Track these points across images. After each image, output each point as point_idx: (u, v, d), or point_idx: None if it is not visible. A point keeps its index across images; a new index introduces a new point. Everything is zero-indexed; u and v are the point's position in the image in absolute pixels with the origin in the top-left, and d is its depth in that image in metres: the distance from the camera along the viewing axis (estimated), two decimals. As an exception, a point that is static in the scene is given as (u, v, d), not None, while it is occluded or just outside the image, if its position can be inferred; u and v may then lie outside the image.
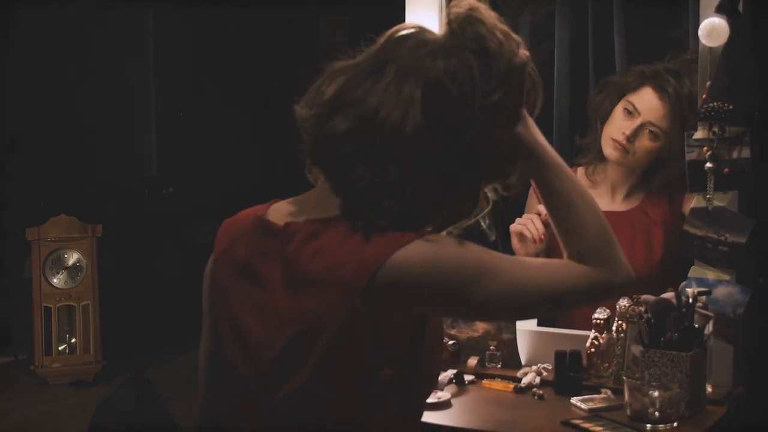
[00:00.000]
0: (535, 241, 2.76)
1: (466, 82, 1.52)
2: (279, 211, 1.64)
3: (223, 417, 1.69)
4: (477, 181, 1.58)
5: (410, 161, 1.51)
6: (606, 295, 1.63)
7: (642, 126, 2.79)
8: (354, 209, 1.54)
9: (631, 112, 2.81)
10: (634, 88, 2.84)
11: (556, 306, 1.65)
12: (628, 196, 2.92)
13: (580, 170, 2.98)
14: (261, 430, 1.61)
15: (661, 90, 2.79)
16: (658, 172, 2.86)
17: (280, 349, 1.55)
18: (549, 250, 2.78)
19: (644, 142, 2.80)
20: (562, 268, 1.57)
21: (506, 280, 1.52)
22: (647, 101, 2.80)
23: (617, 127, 2.82)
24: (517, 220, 2.82)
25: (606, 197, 2.93)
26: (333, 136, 1.55)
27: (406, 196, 1.52)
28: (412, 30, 1.59)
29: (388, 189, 1.52)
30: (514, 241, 2.81)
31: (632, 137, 2.80)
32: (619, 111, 2.84)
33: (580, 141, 2.99)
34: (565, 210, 1.62)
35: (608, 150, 2.85)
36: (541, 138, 1.62)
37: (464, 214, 1.61)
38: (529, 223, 2.77)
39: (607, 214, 2.85)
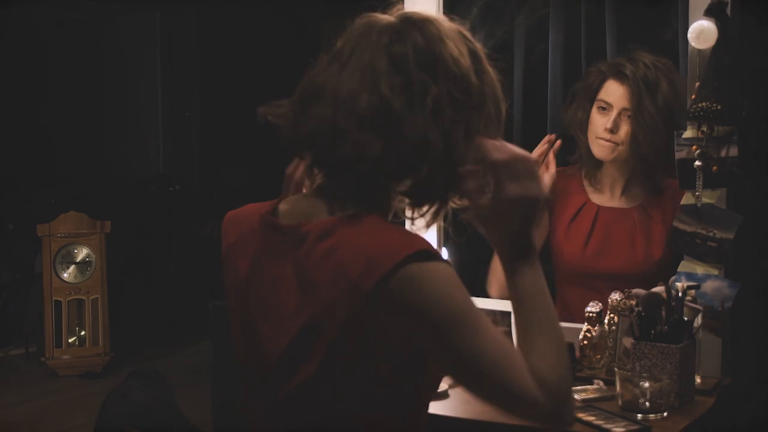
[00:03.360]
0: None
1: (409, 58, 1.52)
2: (288, 211, 1.63)
3: (235, 410, 1.69)
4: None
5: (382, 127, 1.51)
6: (537, 421, 1.53)
7: (619, 115, 2.80)
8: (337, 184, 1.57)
9: (605, 108, 2.83)
10: (598, 86, 2.86)
11: (497, 403, 1.54)
12: (626, 192, 2.91)
13: (582, 173, 2.98)
14: (267, 424, 1.61)
15: (621, 76, 2.81)
16: (651, 174, 2.87)
17: (286, 345, 1.55)
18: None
19: (626, 129, 2.81)
20: (524, 377, 1.49)
21: (481, 348, 1.47)
22: (614, 91, 2.82)
23: (598, 126, 2.83)
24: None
25: (606, 194, 2.93)
26: (311, 134, 1.57)
27: (374, 160, 1.52)
28: (364, 19, 1.60)
29: (362, 157, 1.52)
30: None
31: (614, 128, 2.80)
32: (594, 113, 2.86)
33: (570, 158, 2.98)
34: (529, 328, 1.56)
35: (597, 150, 2.85)
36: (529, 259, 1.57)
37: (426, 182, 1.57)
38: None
39: (609, 210, 2.89)
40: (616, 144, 2.82)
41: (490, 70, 1.60)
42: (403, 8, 1.61)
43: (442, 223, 1.64)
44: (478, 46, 1.61)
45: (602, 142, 2.83)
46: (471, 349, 1.47)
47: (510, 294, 1.59)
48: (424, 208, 1.59)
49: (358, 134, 1.51)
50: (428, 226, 1.61)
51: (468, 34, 1.61)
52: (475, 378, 1.51)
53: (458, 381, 1.55)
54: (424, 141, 1.51)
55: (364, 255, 1.48)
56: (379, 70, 1.52)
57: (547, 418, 1.51)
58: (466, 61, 1.55)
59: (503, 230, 1.57)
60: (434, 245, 2.76)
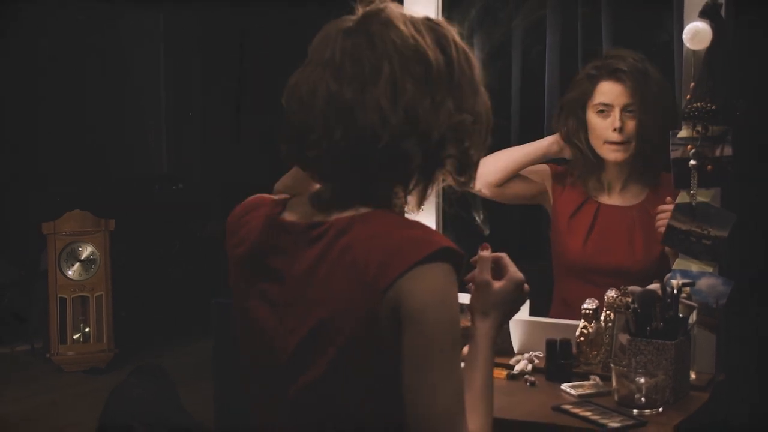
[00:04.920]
0: None
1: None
2: (298, 209, 1.61)
3: (237, 407, 1.68)
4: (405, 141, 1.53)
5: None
6: None
7: (621, 112, 2.79)
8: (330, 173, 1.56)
9: (604, 111, 2.81)
10: (591, 91, 2.84)
11: (423, 423, 1.50)
12: (624, 189, 2.90)
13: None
14: (275, 422, 1.60)
15: (615, 75, 2.80)
16: (646, 167, 2.86)
17: (297, 343, 1.53)
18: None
19: (631, 125, 2.79)
20: (462, 424, 1.49)
21: (444, 382, 1.47)
22: (610, 91, 2.81)
23: (603, 129, 2.81)
24: None
25: (605, 192, 2.92)
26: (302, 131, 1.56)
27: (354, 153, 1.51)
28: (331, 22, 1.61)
29: (341, 149, 1.51)
30: None
31: (621, 127, 2.79)
32: (593, 117, 2.83)
33: (570, 168, 2.96)
34: (475, 391, 1.60)
35: (608, 154, 2.83)
36: (489, 341, 1.64)
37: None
38: None
39: (609, 207, 2.89)
40: (627, 142, 2.80)
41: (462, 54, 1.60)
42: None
43: (441, 219, 1.65)
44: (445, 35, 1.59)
45: (612, 145, 2.81)
46: (435, 371, 1.46)
47: (475, 361, 1.62)
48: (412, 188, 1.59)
49: (359, 133, 1.50)
50: (419, 205, 1.62)
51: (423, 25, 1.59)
52: (419, 398, 1.47)
53: (404, 386, 1.48)
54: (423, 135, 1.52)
55: (379, 254, 1.46)
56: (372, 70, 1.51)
57: None
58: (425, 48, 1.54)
59: (496, 316, 1.66)
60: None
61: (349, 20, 1.57)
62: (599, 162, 2.88)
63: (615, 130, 2.79)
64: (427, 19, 1.58)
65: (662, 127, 2.71)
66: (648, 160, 2.83)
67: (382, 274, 1.45)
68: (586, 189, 2.93)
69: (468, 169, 1.59)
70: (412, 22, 1.55)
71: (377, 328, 1.47)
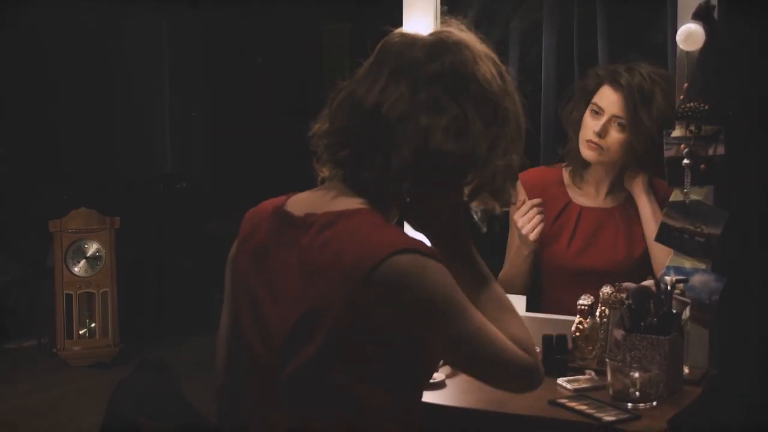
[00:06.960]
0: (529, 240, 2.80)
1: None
2: (298, 203, 1.67)
3: (239, 392, 1.72)
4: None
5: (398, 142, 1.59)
6: (529, 382, 1.66)
7: (609, 121, 2.80)
8: (357, 180, 1.62)
9: (597, 112, 2.82)
10: (594, 89, 2.85)
11: (493, 374, 1.64)
12: (610, 193, 2.91)
13: (566, 172, 2.98)
14: (273, 403, 1.63)
15: (615, 83, 2.80)
16: (636, 178, 2.85)
17: (290, 329, 1.58)
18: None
19: (614, 135, 2.80)
20: (511, 345, 1.60)
21: (477, 329, 1.55)
22: (606, 97, 2.81)
23: (588, 128, 2.83)
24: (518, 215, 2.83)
25: (592, 195, 2.92)
26: (340, 132, 1.63)
27: (389, 166, 1.59)
28: (399, 36, 1.68)
29: (378, 165, 1.60)
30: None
31: (602, 133, 2.79)
32: (587, 115, 2.85)
33: (561, 152, 2.98)
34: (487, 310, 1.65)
35: (585, 152, 2.85)
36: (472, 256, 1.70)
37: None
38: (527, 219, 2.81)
39: (593, 210, 2.90)
40: (602, 148, 2.81)
41: (515, 93, 1.69)
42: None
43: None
44: (504, 68, 1.70)
45: (590, 144, 2.82)
46: (466, 333, 1.54)
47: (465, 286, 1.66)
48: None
49: (381, 141, 1.59)
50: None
51: (497, 58, 1.70)
52: (472, 358, 1.58)
53: (455, 363, 1.65)
54: (451, 153, 1.60)
55: (359, 245, 1.52)
56: (408, 86, 1.59)
57: (535, 375, 1.64)
58: (497, 83, 1.64)
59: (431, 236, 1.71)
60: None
61: (423, 43, 1.66)
62: (584, 159, 2.89)
63: (594, 133, 2.80)
64: (493, 59, 1.71)
65: (653, 149, 2.70)
66: (645, 168, 2.82)
67: (359, 264, 1.50)
68: (571, 188, 2.94)
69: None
70: (487, 62, 1.68)
71: (362, 317, 1.52)
